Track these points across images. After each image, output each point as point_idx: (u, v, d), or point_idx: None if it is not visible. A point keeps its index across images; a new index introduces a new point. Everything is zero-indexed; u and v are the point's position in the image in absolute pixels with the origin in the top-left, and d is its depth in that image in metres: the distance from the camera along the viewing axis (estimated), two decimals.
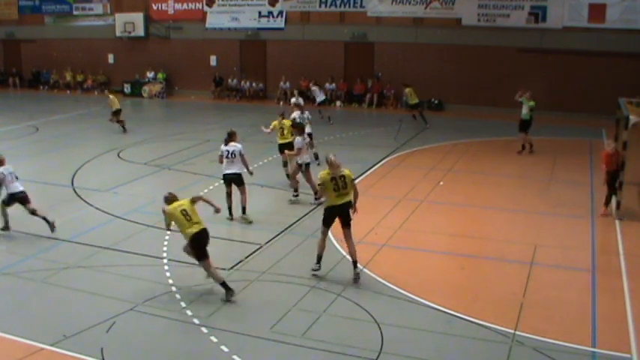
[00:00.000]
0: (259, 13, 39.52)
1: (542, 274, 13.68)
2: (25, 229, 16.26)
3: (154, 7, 42.43)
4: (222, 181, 17.25)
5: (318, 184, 13.89)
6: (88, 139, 28.20)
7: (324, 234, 13.45)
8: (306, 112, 23.12)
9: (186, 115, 34.08)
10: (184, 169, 22.07)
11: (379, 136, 28.66)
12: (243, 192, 16.96)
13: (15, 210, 16.29)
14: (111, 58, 44.33)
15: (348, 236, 13.23)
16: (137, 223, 16.74)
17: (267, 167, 22.52)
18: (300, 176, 18.72)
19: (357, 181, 19.51)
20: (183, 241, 12.94)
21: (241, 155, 16.80)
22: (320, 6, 37.90)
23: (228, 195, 16.98)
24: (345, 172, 13.57)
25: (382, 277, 13.20)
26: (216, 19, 40.73)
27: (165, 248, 14.82)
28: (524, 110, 24.44)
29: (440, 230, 16.70)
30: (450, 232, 16.71)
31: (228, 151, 16.73)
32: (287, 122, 20.53)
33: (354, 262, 13.17)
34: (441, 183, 20.67)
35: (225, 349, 10.39)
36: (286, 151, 19.63)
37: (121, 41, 43.31)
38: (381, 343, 10.58)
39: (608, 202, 17.35)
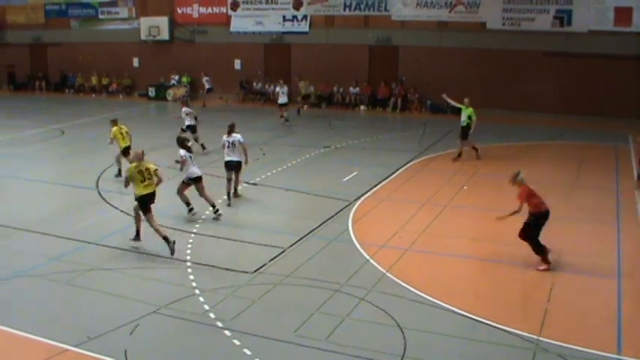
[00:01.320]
0: (283, 17, 39.62)
1: (567, 279, 13.58)
2: (51, 231, 16.42)
3: (179, 11, 42.66)
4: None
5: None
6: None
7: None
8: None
9: (210, 119, 34.10)
10: (208, 173, 22.05)
11: (403, 140, 28.61)
12: (238, 177, 19.05)
13: (42, 211, 16.45)
14: (136, 62, 44.61)
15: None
16: (161, 225, 16.79)
17: (290, 171, 22.56)
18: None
19: (380, 186, 19.52)
20: (205, 244, 12.98)
21: (240, 144, 18.66)
22: (344, 10, 37.92)
23: (229, 181, 18.78)
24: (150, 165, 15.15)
25: (406, 281, 13.16)
26: (241, 22, 40.87)
27: (188, 251, 14.86)
28: (463, 117, 24.20)
29: (463, 235, 16.61)
30: (473, 236, 16.63)
31: (229, 141, 18.53)
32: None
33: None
34: (465, 187, 20.60)
35: (248, 352, 10.40)
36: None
37: (146, 45, 43.59)
38: (404, 347, 10.55)
39: None
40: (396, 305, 12.12)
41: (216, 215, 17.35)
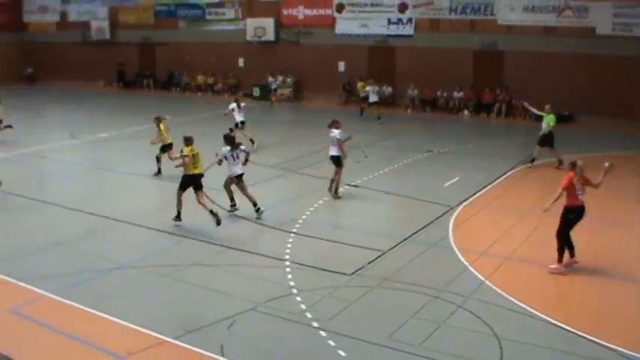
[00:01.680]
0: (388, 19, 39.52)
1: None
2: (154, 225, 16.89)
3: (285, 13, 43.10)
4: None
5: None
6: (216, 139, 28.75)
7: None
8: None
9: (313, 120, 34.33)
10: (310, 173, 22.28)
11: (506, 146, 28.12)
12: (338, 176, 19.49)
13: (146, 206, 16.92)
14: (241, 62, 45.27)
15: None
16: (262, 224, 17.07)
17: (391, 174, 22.50)
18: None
19: (482, 192, 19.31)
20: (306, 244, 13.09)
21: (336, 140, 19.36)
22: (450, 13, 37.56)
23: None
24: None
25: (505, 290, 12.94)
26: (346, 25, 40.99)
27: (288, 250, 15.02)
28: (544, 124, 23.55)
29: None
30: (576, 248, 16.19)
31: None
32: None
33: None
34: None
35: (343, 354, 10.45)
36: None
37: (252, 45, 44.19)
38: (500, 357, 10.39)
39: None
40: (493, 314, 11.95)
41: (258, 214, 17.59)
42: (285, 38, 43.23)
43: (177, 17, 47.55)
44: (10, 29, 54.24)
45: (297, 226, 16.88)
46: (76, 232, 16.60)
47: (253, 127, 30.33)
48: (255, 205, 17.68)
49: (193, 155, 17.25)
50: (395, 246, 15.45)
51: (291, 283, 13.25)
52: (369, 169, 22.69)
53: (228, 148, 17.80)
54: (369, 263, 14.33)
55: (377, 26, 39.97)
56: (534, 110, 24.80)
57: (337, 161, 19.47)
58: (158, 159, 22.47)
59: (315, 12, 42.15)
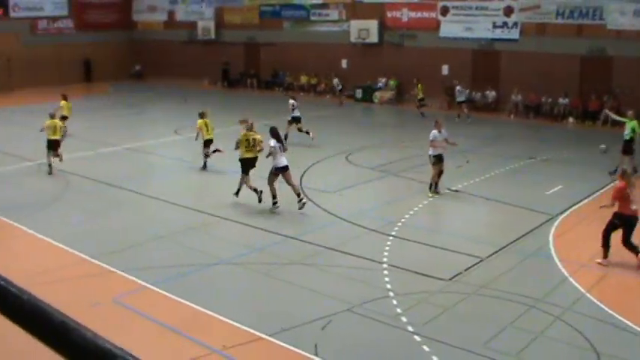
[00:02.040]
0: (493, 23, 38.97)
1: None
2: (254, 223, 17.21)
3: (389, 15, 43.06)
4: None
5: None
6: (319, 140, 29.01)
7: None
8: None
9: (415, 123, 34.18)
10: (410, 177, 22.22)
11: (611, 157, 27.29)
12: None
13: (246, 204, 17.25)
14: (344, 63, 45.43)
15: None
16: (360, 226, 17.14)
17: (493, 180, 22.18)
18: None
19: (585, 202, 18.89)
20: (404, 247, 13.08)
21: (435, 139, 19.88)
22: (557, 18, 36.75)
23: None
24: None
25: (606, 304, 12.61)
26: (450, 28, 40.65)
27: (386, 253, 15.05)
28: (627, 130, 22.83)
29: None
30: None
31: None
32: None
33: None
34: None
35: None
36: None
37: (355, 47, 44.32)
38: None
39: None
40: (593, 328, 11.69)
41: (300, 205, 18.06)
42: (388, 40, 43.21)
43: (281, 18, 48.10)
44: (120, 28, 56.16)
45: (396, 229, 16.88)
46: (177, 227, 17.08)
47: (356, 129, 30.51)
48: (298, 195, 18.20)
49: (247, 140, 18.82)
50: (493, 253, 15.28)
51: (388, 286, 13.28)
52: (470, 175, 22.47)
53: (274, 141, 18.32)
54: (466, 269, 14.22)
55: (481, 30, 39.47)
56: (616, 117, 24.08)
57: (434, 159, 20.08)
58: (206, 155, 23.46)
59: (419, 14, 41.96)
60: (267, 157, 18.63)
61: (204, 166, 23.43)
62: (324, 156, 25.25)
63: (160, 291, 13.06)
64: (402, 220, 17.63)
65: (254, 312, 12.20)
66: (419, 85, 36.35)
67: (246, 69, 50.37)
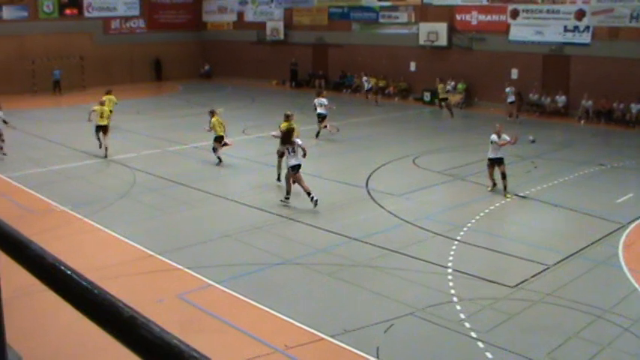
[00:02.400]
0: (564, 27, 38.30)
1: None
2: (319, 224, 17.30)
3: (458, 18, 42.71)
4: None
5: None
6: (386, 143, 29.02)
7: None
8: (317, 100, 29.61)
9: (483, 127, 33.78)
10: (478, 181, 22.00)
11: None
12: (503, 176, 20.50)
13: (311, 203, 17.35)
14: (412, 66, 45.24)
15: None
16: (426, 230, 17.07)
17: (561, 186, 21.78)
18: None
19: None
20: (469, 252, 13.01)
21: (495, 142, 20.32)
22: (630, 21, 35.95)
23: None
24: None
25: None
26: (520, 31, 40.10)
27: (451, 258, 14.96)
28: None
29: None
30: None
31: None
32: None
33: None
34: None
35: None
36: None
37: (423, 50, 44.09)
38: None
39: None
40: None
41: (313, 202, 18.67)
42: (457, 43, 42.88)
43: (350, 19, 48.12)
44: (190, 28, 57.09)
45: (462, 233, 16.76)
46: (242, 226, 17.27)
47: (424, 132, 30.37)
48: (309, 194, 18.81)
49: (287, 130, 19.87)
50: (560, 261, 15.03)
51: (452, 291, 13.20)
52: (538, 181, 22.16)
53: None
54: (532, 277, 14.02)
55: (552, 33, 38.81)
56: None
57: (493, 162, 20.69)
58: (214, 149, 24.46)
59: (489, 17, 41.52)
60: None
61: (220, 161, 24.39)
62: (390, 158, 25.19)
63: (225, 289, 13.24)
64: (468, 224, 17.50)
65: (317, 312, 12.27)
66: (440, 85, 37.98)
67: (314, 70, 50.57)
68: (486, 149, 20.63)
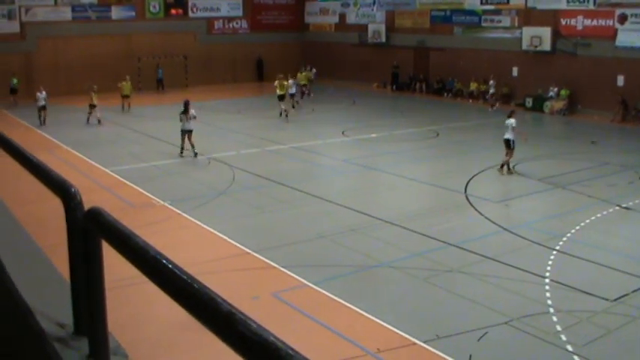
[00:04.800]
0: None
1: None
2: (415, 228, 17.27)
3: (563, 22, 41.79)
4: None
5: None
6: (486, 148, 28.61)
7: None
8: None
9: (586, 135, 32.95)
10: (579, 190, 21.49)
11: None
12: None
13: (408, 208, 17.29)
14: (515, 71, 44.51)
15: None
16: (524, 238, 16.82)
17: None
18: None
19: None
20: (568, 263, 12.78)
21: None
22: None
23: None
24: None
25: None
26: (628, 37, 38.93)
27: (548, 268, 14.70)
28: None
29: None
30: None
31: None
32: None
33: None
34: None
35: None
36: None
37: (526, 55, 43.31)
38: None
39: None
40: None
41: (194, 156, 25.04)
42: (561, 49, 41.95)
43: (452, 23, 47.69)
44: (292, 30, 57.73)
45: (561, 243, 16.43)
46: (339, 227, 17.40)
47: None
48: (193, 148, 25.29)
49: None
50: None
51: (549, 302, 12.98)
52: None
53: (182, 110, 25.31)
54: (633, 291, 13.63)
55: None
56: None
57: (509, 144, 23.22)
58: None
59: (595, 22, 40.46)
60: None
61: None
62: (490, 164, 24.83)
63: (319, 289, 13.39)
64: (568, 234, 17.14)
65: (410, 317, 12.27)
66: (490, 82, 39.82)
67: (415, 73, 50.34)
68: (588, 157, 20.18)
